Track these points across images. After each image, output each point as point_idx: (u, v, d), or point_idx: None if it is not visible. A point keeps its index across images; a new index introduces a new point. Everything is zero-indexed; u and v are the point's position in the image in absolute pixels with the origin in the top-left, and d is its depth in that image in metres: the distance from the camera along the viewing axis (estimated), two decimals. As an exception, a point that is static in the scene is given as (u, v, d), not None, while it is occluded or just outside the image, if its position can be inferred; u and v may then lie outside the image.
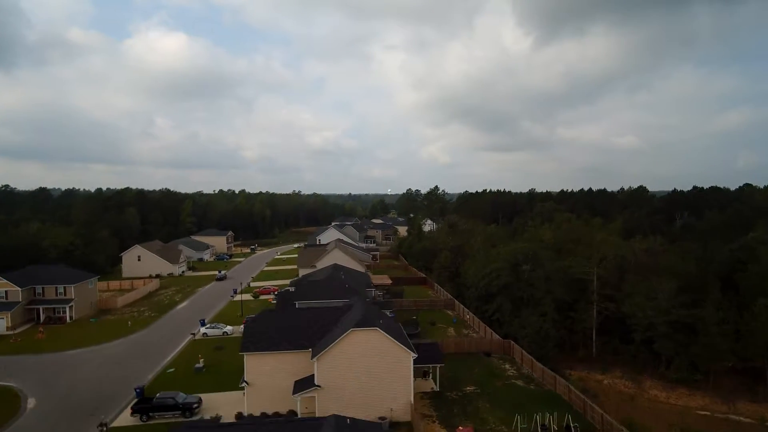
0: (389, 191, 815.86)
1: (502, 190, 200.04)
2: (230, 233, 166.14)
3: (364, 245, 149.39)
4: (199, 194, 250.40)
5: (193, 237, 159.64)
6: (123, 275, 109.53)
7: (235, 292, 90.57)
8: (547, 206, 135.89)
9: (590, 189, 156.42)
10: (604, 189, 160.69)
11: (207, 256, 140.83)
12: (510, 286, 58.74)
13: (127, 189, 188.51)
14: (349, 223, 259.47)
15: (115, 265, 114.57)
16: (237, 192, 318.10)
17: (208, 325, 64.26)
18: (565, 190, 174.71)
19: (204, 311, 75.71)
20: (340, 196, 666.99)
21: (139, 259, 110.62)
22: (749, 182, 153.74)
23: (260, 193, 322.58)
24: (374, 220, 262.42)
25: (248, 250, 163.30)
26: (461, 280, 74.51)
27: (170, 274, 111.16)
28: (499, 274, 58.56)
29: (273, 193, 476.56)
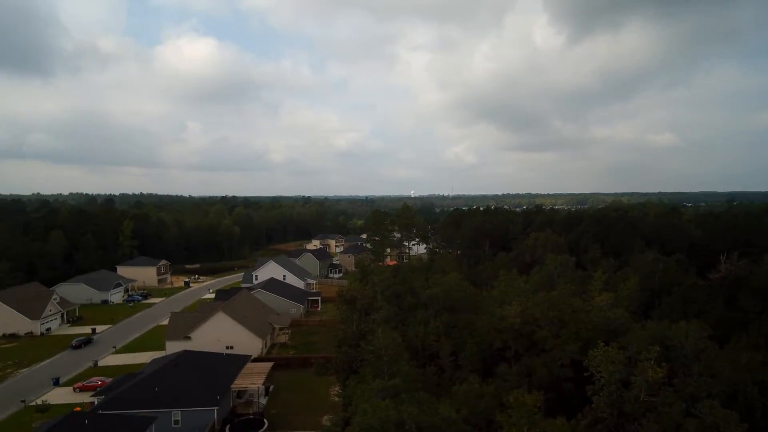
0: (412, 193, 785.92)
1: (492, 208, 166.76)
2: (163, 262, 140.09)
3: (312, 282, 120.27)
4: (155, 209, 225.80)
5: (120, 268, 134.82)
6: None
7: (57, 383, 63.23)
8: (542, 239, 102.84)
9: (604, 215, 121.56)
10: (625, 213, 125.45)
11: (117, 296, 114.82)
12: None
13: (63, 206, 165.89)
14: (331, 238, 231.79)
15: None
16: (267, 198, 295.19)
17: None
18: (573, 209, 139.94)
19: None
20: (354, 200, 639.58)
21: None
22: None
23: (234, 200, 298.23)
24: (364, 236, 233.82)
25: (182, 284, 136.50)
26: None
27: (29, 334, 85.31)
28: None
29: (278, 198, 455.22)
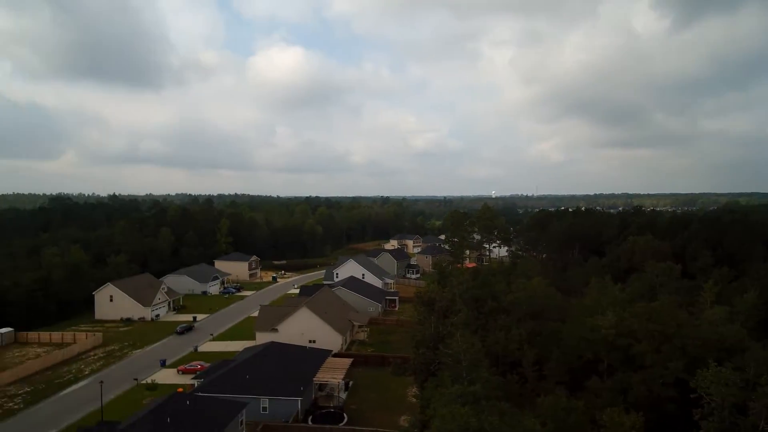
0: (493, 193, 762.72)
1: (583, 209, 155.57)
2: (254, 258, 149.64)
3: (389, 282, 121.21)
4: (248, 209, 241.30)
5: (217, 262, 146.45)
6: (96, 317, 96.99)
7: (164, 365, 70.00)
8: (641, 243, 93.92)
9: (717, 218, 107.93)
10: (743, 216, 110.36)
11: (214, 288, 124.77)
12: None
13: (171, 206, 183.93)
14: (409, 238, 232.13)
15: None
16: (347, 197, 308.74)
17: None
18: (679, 211, 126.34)
19: (76, 406, 55.74)
20: (432, 201, 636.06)
21: (111, 300, 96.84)
22: None
23: (320, 201, 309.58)
24: (442, 237, 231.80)
25: (270, 279, 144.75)
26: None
27: (142, 319, 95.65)
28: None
29: (358, 199, 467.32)
